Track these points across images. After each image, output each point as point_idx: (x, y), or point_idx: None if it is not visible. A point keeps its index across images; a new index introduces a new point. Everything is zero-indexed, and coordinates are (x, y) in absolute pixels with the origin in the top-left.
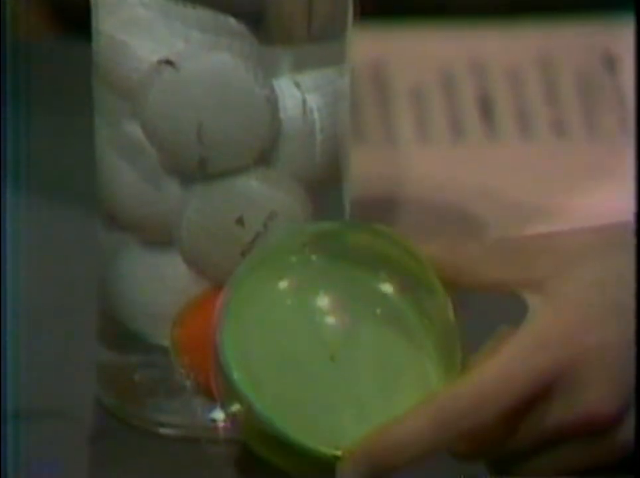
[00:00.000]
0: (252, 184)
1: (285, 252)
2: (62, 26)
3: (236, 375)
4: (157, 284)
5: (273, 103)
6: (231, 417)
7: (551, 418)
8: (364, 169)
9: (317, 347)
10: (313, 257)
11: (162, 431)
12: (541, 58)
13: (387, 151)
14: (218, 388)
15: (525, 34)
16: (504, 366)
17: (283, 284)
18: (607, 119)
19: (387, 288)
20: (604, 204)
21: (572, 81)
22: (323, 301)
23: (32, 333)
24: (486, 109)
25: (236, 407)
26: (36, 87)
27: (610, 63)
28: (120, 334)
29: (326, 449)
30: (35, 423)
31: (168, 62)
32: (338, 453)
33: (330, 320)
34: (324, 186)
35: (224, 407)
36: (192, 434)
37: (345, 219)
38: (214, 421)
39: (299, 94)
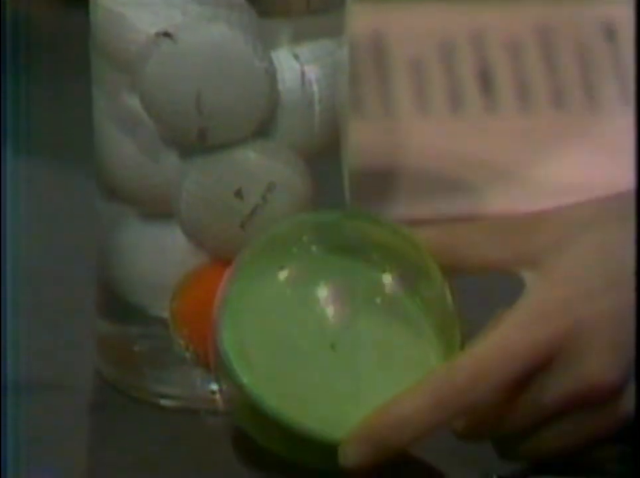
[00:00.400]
0: (251, 156)
1: (285, 242)
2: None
3: (234, 363)
4: (156, 256)
5: (271, 74)
6: (227, 403)
7: (551, 390)
8: (363, 141)
9: (318, 336)
10: (313, 248)
11: (162, 402)
12: (540, 29)
13: (386, 122)
14: (216, 372)
15: (524, 5)
16: (503, 340)
17: (283, 274)
18: (607, 90)
19: (386, 277)
20: (603, 174)
21: (572, 53)
22: (323, 291)
23: (32, 305)
24: (485, 80)
25: (232, 393)
26: (36, 57)
27: (610, 34)
28: (119, 306)
29: (326, 433)
30: (35, 394)
31: (167, 34)
32: (338, 436)
33: (330, 309)
34: (323, 157)
35: (221, 392)
36: (191, 405)
37: (345, 205)
38: (213, 392)
39: (297, 66)
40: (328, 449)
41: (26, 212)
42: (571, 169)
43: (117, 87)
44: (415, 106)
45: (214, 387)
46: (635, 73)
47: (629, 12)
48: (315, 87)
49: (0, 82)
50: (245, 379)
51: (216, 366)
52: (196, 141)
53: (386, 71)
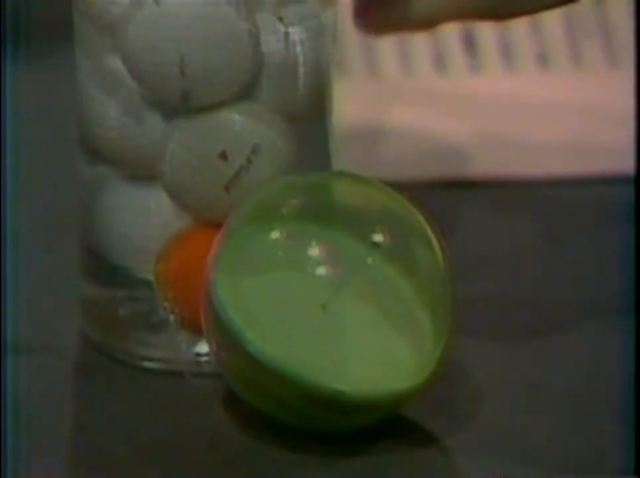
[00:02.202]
0: (235, 118)
1: (275, 204)
2: None
3: (234, 319)
4: (141, 218)
5: (255, 36)
6: (220, 364)
7: None
8: (348, 103)
9: (308, 297)
10: (303, 209)
11: (147, 365)
12: None
13: (370, 84)
14: (209, 332)
15: None
16: None
17: (274, 234)
18: (593, 51)
19: (378, 237)
20: (588, 134)
21: (557, 13)
22: (314, 251)
23: (16, 268)
24: (469, 41)
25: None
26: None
27: None
28: (104, 269)
29: (327, 381)
30: (19, 357)
31: None
32: (341, 388)
33: (321, 270)
34: (308, 119)
35: (213, 352)
36: (176, 368)
37: (330, 168)
38: (198, 355)
39: (282, 28)
40: (327, 403)
41: (11, 173)
42: (557, 130)
43: (100, 49)
44: (400, 68)
45: (199, 350)
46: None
47: None
48: (299, 50)
49: None
50: (247, 334)
51: (210, 325)
52: (179, 103)
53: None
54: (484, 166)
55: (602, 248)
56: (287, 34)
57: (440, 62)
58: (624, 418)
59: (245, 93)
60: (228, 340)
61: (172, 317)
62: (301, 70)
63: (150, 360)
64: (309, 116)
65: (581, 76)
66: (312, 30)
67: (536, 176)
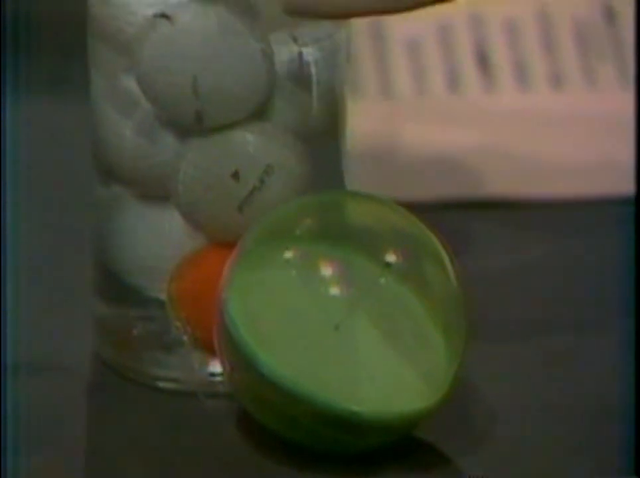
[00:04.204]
0: (248, 138)
1: (288, 224)
2: None
3: (243, 333)
4: (154, 238)
5: (269, 56)
6: (231, 383)
7: None
8: (361, 122)
9: (321, 317)
10: (317, 229)
11: (160, 384)
12: (539, 9)
13: (384, 103)
14: (222, 352)
15: None
16: None
17: (287, 255)
18: (606, 71)
19: (390, 257)
20: (600, 154)
21: (571, 33)
22: (327, 272)
23: (30, 287)
24: (483, 61)
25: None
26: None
27: (609, 14)
28: (117, 288)
29: (341, 403)
30: (33, 376)
31: (164, 16)
32: (358, 408)
33: (334, 290)
34: (321, 140)
35: (225, 371)
36: (189, 388)
37: (343, 188)
38: (211, 375)
39: (296, 48)
40: (340, 423)
41: (25, 193)
42: (569, 150)
43: (115, 69)
44: (413, 87)
45: (212, 370)
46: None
47: None
48: (313, 70)
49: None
50: (260, 355)
51: (223, 346)
52: (192, 123)
53: (384, 52)
54: (496, 185)
55: (614, 268)
56: (301, 54)
57: (453, 80)
58: (624, 419)
59: (259, 113)
60: (241, 361)
61: (185, 337)
62: (315, 90)
63: (163, 379)
64: (322, 136)
65: (594, 95)
66: (326, 50)
67: (549, 197)
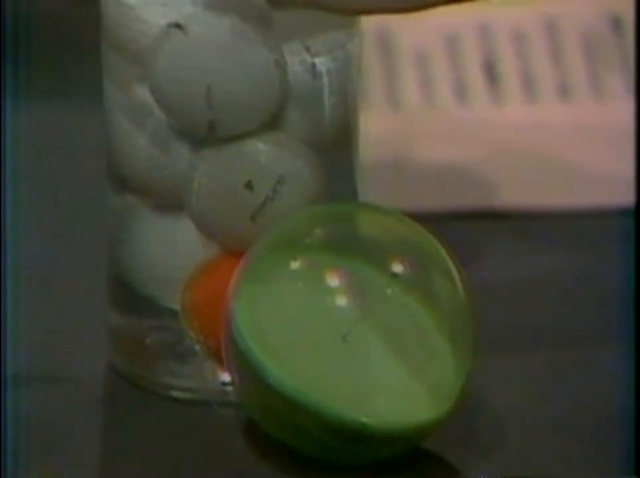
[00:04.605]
0: (261, 148)
1: (297, 234)
2: None
3: (250, 344)
4: (168, 248)
5: (282, 66)
6: (240, 392)
7: None
8: (368, 133)
9: (329, 328)
10: (325, 239)
11: (173, 394)
12: (546, 20)
13: (392, 114)
14: (229, 361)
15: None
16: None
17: (295, 265)
18: (613, 82)
19: (397, 267)
20: (608, 166)
21: (578, 44)
22: (334, 282)
23: (43, 297)
24: (491, 72)
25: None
26: (40, 48)
27: (616, 25)
28: (131, 298)
29: (348, 413)
30: (47, 387)
31: (177, 26)
32: (366, 419)
33: (341, 301)
34: (334, 149)
35: (234, 381)
36: (202, 397)
37: (356, 198)
38: (224, 384)
39: (308, 57)
40: (348, 434)
41: (37, 204)
42: (577, 161)
43: (128, 79)
44: (421, 98)
45: (225, 379)
46: (635, 73)
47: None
48: (326, 80)
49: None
50: (267, 365)
51: (230, 356)
52: (206, 134)
53: (392, 63)
54: (505, 195)
55: (622, 279)
56: (314, 64)
57: (461, 91)
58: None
59: (272, 123)
60: (248, 371)
61: (198, 346)
62: (328, 100)
63: (176, 389)
64: (335, 146)
65: (602, 106)
66: (339, 60)
67: (557, 208)
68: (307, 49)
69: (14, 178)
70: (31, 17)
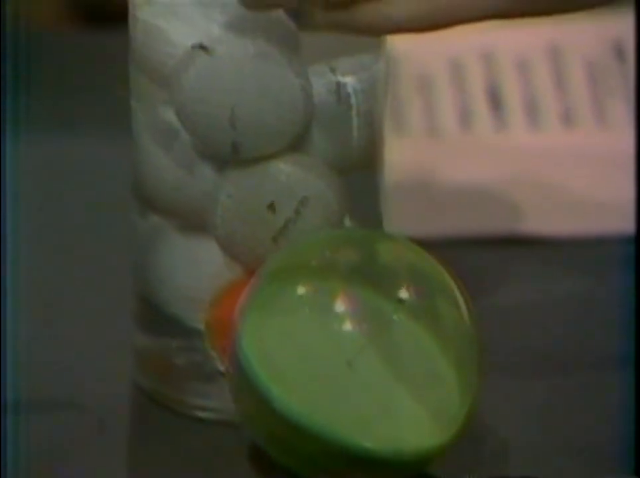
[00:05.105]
0: (284, 170)
1: (306, 257)
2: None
3: (256, 368)
4: (193, 268)
5: (307, 89)
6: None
7: None
8: (402, 159)
9: (334, 353)
10: (334, 264)
11: (200, 414)
12: (550, 47)
13: (395, 140)
14: (234, 384)
15: (534, 23)
16: None
17: (301, 290)
18: (616, 109)
19: (403, 294)
20: (612, 192)
21: (581, 71)
22: (340, 308)
23: (69, 319)
24: (495, 98)
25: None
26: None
27: (619, 53)
28: (158, 318)
29: (353, 438)
30: (71, 407)
31: (202, 47)
32: (370, 444)
33: (347, 326)
34: (360, 172)
35: (237, 403)
36: (229, 418)
37: (381, 221)
38: None
39: (334, 79)
40: (352, 459)
41: (65, 225)
42: (579, 187)
43: (155, 101)
44: (425, 124)
45: None
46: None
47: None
48: (352, 102)
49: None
50: (273, 390)
51: (236, 380)
52: (229, 155)
53: (396, 88)
54: (505, 221)
55: (625, 304)
56: (339, 85)
57: (465, 118)
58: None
59: (296, 144)
60: (253, 395)
61: (221, 366)
62: (354, 122)
63: (203, 409)
64: (360, 168)
65: (605, 133)
66: (365, 81)
67: (560, 234)
68: (333, 71)
69: (29, 203)
70: (30, 46)
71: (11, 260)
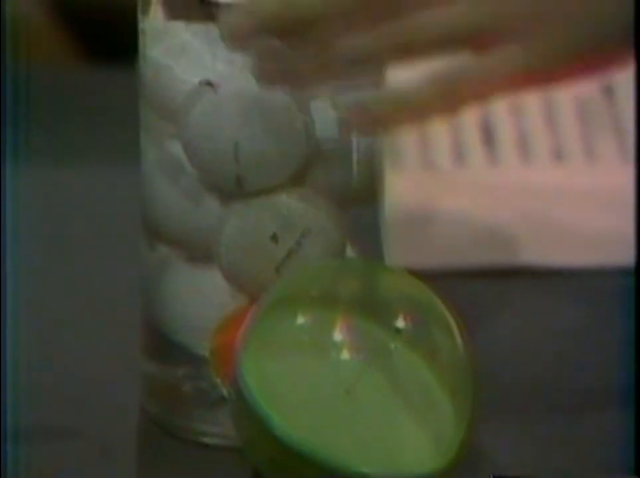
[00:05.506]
0: (287, 202)
1: (305, 287)
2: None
3: (256, 396)
4: (198, 298)
5: (309, 125)
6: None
7: None
8: (400, 192)
9: (333, 381)
10: (333, 294)
11: (206, 440)
12: None
13: (392, 174)
14: (235, 410)
15: None
16: None
17: (301, 319)
18: (605, 145)
19: (400, 323)
20: (602, 227)
21: (571, 109)
22: (338, 337)
23: (78, 346)
24: (488, 134)
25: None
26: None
27: (608, 90)
28: (164, 346)
29: (351, 465)
30: (83, 436)
31: (209, 84)
32: (368, 470)
33: (345, 355)
34: (360, 204)
35: (238, 430)
36: (234, 444)
37: (382, 253)
38: None
39: (336, 114)
40: None
41: (74, 255)
42: (572, 220)
43: (163, 135)
44: (420, 158)
45: None
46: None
47: (627, 71)
48: (353, 137)
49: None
50: (273, 417)
51: (237, 407)
52: (234, 188)
53: None
54: (500, 255)
55: (624, 336)
56: (341, 121)
57: (458, 153)
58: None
59: (299, 177)
60: (254, 422)
61: (226, 392)
62: (355, 156)
63: (209, 435)
64: (360, 200)
65: (595, 169)
66: None
67: (554, 266)
68: (335, 106)
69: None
70: (30, 80)
71: (16, 288)
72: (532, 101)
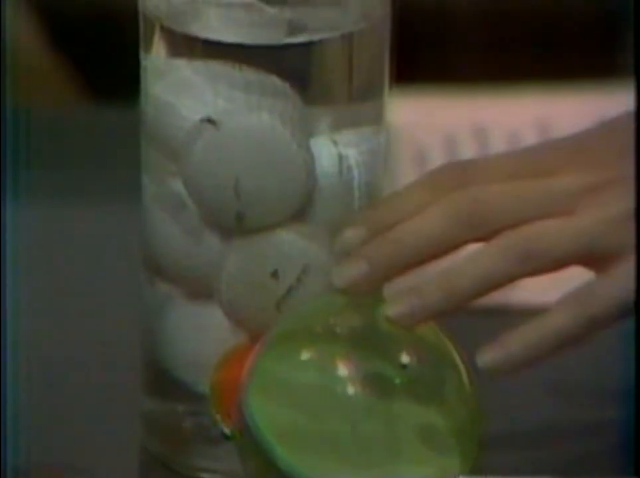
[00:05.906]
0: (287, 239)
1: (310, 322)
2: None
3: (262, 430)
4: (199, 334)
5: (309, 161)
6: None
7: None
8: None
9: (338, 416)
10: (337, 329)
11: (207, 476)
12: (539, 122)
13: None
14: (242, 446)
15: (524, 100)
16: None
17: (305, 355)
18: None
19: (405, 359)
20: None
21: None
22: (344, 372)
23: (78, 384)
24: None
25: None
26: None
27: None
28: (165, 382)
29: None
30: (82, 471)
31: (210, 121)
32: None
33: (350, 390)
34: None
35: (244, 466)
36: None
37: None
38: None
39: (336, 151)
40: None
41: (74, 294)
42: None
43: (164, 172)
44: None
45: None
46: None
47: (623, 108)
48: (354, 173)
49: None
50: (278, 450)
51: (242, 439)
52: (234, 224)
53: (393, 161)
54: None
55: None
56: (341, 158)
57: None
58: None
59: (299, 214)
60: (260, 456)
61: (225, 430)
62: (356, 193)
63: (210, 471)
64: None
65: None
66: (365, 154)
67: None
68: (335, 143)
69: (38, 273)
70: (30, 117)
71: (16, 328)
72: (529, 137)
